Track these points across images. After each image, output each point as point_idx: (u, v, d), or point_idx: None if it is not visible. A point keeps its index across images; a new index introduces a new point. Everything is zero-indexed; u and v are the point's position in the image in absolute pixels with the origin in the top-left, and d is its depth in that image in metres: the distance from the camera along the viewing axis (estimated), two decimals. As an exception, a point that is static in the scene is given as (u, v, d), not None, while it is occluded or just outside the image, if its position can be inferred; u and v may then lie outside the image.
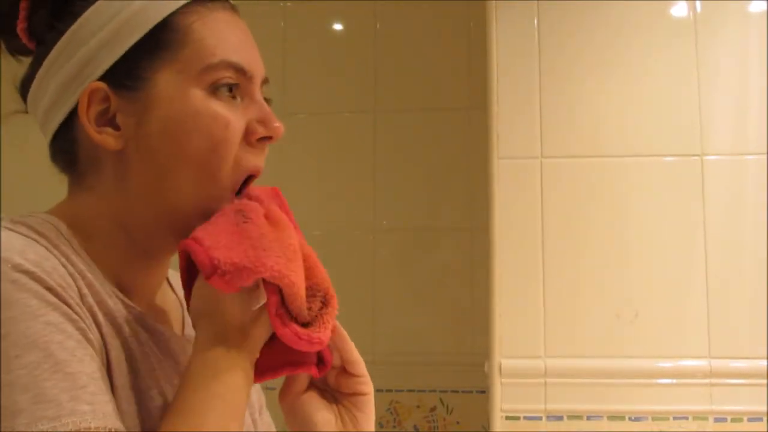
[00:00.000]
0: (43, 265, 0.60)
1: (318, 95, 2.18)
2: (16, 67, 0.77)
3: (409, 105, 2.14)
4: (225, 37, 0.71)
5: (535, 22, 1.55)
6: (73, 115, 0.71)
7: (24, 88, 0.75)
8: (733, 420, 1.44)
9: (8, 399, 0.55)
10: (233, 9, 0.75)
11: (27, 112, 0.77)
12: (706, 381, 1.45)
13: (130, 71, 0.69)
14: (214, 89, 0.69)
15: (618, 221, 1.50)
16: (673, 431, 1.44)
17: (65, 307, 0.60)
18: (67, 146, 0.73)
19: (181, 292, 0.83)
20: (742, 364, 1.45)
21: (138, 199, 0.71)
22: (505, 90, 1.54)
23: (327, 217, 2.14)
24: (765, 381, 1.42)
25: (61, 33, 0.71)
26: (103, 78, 0.69)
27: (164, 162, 0.69)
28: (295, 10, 2.21)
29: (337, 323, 0.74)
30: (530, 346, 1.48)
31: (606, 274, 1.49)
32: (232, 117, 0.70)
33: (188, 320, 0.80)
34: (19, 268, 0.58)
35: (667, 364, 1.46)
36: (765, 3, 1.50)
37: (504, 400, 1.47)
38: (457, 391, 2.07)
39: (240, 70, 0.71)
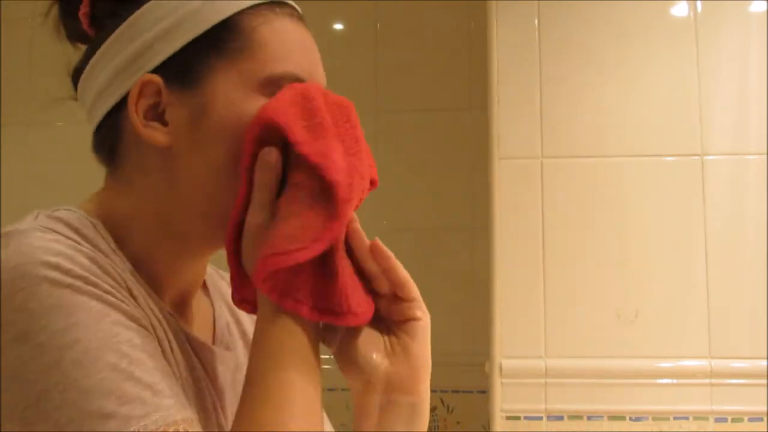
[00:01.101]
0: (92, 269, 0.59)
1: (318, 95, 2.18)
2: (71, 54, 0.75)
3: (409, 105, 2.14)
4: (290, 47, 0.69)
5: (536, 22, 1.55)
6: (121, 105, 0.68)
7: (76, 74, 0.73)
8: (734, 420, 1.44)
9: (93, 405, 0.53)
10: (300, 17, 0.72)
11: (77, 99, 0.74)
12: (707, 381, 1.45)
13: (187, 67, 0.67)
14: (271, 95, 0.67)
15: (618, 221, 1.50)
16: (674, 431, 1.44)
17: (124, 305, 0.59)
18: (110, 136, 0.70)
19: (217, 295, 0.82)
20: (743, 364, 1.45)
21: (184, 198, 0.68)
22: (505, 90, 1.54)
23: (327, 217, 2.13)
24: (765, 381, 1.42)
25: (122, 19, 0.68)
26: (157, 71, 0.67)
27: (219, 164, 0.66)
28: (296, 10, 2.21)
29: (380, 243, 0.72)
30: (530, 346, 1.48)
31: (606, 274, 1.49)
32: None
33: (219, 328, 0.79)
34: (71, 274, 0.57)
35: (667, 364, 1.46)
36: (765, 3, 1.50)
37: (504, 400, 1.47)
38: (457, 391, 2.07)
39: (302, 82, 0.68)
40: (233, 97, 0.66)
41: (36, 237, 0.59)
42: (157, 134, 0.67)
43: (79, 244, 0.61)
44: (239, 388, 0.75)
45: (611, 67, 1.53)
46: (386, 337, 0.69)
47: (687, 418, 1.44)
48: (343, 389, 2.35)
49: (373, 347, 0.68)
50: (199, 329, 0.76)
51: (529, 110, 1.53)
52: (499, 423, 1.47)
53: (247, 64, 0.67)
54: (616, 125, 1.52)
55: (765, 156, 1.47)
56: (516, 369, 1.47)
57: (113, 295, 0.59)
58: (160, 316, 0.66)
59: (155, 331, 0.64)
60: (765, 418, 1.42)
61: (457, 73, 2.11)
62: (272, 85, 0.67)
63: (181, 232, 0.69)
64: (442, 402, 2.08)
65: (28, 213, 0.67)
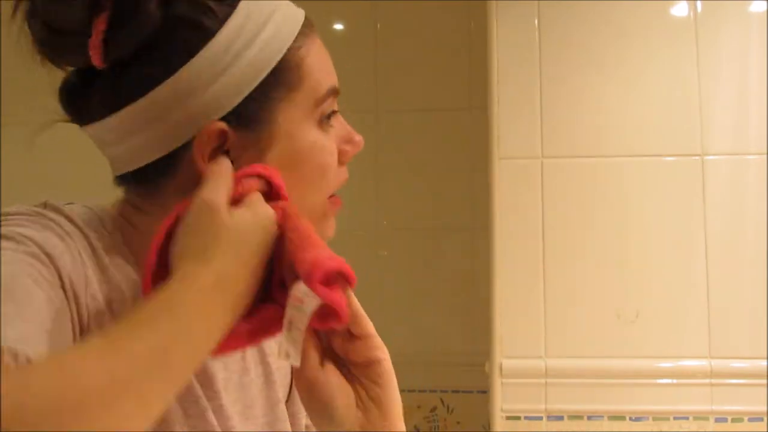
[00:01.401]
0: (47, 244, 0.62)
1: (318, 95, 2.18)
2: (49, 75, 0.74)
3: (409, 105, 2.14)
4: (324, 64, 0.73)
5: (536, 22, 1.55)
6: (178, 150, 0.67)
7: (83, 105, 0.73)
8: (734, 420, 1.44)
9: None
10: (313, 27, 0.74)
11: (71, 122, 0.75)
12: (707, 381, 1.45)
13: (251, 112, 0.68)
14: (321, 120, 0.71)
15: (618, 221, 1.50)
16: (674, 431, 1.44)
17: (51, 268, 0.60)
18: (155, 173, 0.69)
19: None
20: (743, 364, 1.45)
21: None
22: (505, 90, 1.54)
23: (327, 217, 2.13)
24: (765, 381, 1.42)
25: (167, 70, 0.65)
26: (222, 117, 0.67)
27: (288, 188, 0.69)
28: (296, 10, 2.21)
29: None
30: (531, 346, 1.48)
31: (606, 274, 1.49)
32: (332, 145, 0.72)
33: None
34: (17, 238, 0.61)
35: (667, 365, 1.46)
36: (765, 3, 1.50)
37: (504, 400, 1.47)
38: (457, 392, 2.07)
39: (337, 93, 0.73)
40: (291, 130, 0.70)
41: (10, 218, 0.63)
42: None
43: (52, 230, 0.65)
44: (248, 392, 0.74)
45: (611, 67, 1.53)
46: (355, 387, 0.66)
47: (687, 418, 1.44)
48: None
49: (348, 402, 0.64)
50: None
51: (529, 110, 1.53)
52: (499, 423, 1.47)
53: (301, 96, 0.70)
54: (616, 125, 1.52)
55: (765, 156, 1.47)
56: (516, 369, 1.47)
57: (50, 262, 0.60)
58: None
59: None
60: (765, 418, 1.42)
61: (457, 73, 2.11)
62: (320, 106, 0.71)
63: None
64: (442, 402, 2.08)
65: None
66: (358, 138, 0.75)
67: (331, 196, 0.74)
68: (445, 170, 2.11)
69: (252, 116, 0.68)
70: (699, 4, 1.52)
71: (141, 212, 0.72)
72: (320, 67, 0.72)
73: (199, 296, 0.57)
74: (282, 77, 0.69)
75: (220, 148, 0.67)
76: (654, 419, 1.45)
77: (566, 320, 1.48)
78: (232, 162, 0.68)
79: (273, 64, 0.68)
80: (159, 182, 0.70)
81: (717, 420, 1.44)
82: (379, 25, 2.19)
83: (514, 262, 1.50)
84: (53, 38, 0.73)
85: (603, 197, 1.51)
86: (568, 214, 1.51)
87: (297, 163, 0.70)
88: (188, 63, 0.65)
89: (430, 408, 2.07)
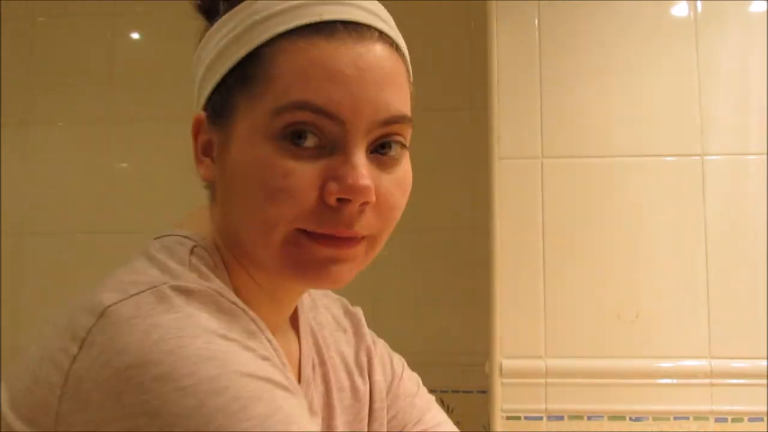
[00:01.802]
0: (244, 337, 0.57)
1: (318, 95, 2.18)
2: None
3: (409, 105, 2.14)
4: (310, 74, 0.59)
5: (536, 21, 1.55)
6: None
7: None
8: (734, 420, 1.44)
9: None
10: (359, 35, 0.62)
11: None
12: (707, 381, 1.45)
13: (219, 105, 0.64)
14: (283, 137, 0.60)
15: (618, 221, 1.50)
16: (674, 431, 1.44)
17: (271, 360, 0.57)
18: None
19: (307, 331, 0.78)
20: (743, 364, 1.44)
21: (232, 233, 0.66)
22: (505, 90, 1.54)
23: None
24: (765, 381, 1.42)
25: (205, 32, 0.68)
26: (205, 107, 0.66)
27: (236, 206, 0.63)
28: (296, 10, 2.21)
29: None
30: (531, 346, 1.48)
31: (607, 274, 1.49)
32: (296, 168, 0.59)
33: (305, 367, 0.75)
34: (228, 336, 0.55)
35: (667, 365, 1.46)
36: (766, 3, 1.50)
37: (504, 400, 1.47)
38: (457, 391, 2.07)
39: (319, 111, 0.59)
40: (243, 138, 0.62)
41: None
42: (202, 169, 0.67)
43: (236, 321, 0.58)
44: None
45: (611, 67, 1.53)
46: None
47: (687, 418, 1.44)
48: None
49: None
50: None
51: (529, 110, 1.53)
52: (499, 423, 1.47)
53: (261, 99, 0.61)
54: (616, 125, 1.52)
55: (765, 156, 1.47)
56: (516, 369, 1.47)
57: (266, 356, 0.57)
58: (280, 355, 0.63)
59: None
60: (765, 418, 1.42)
61: (457, 73, 2.11)
62: (280, 117, 0.60)
63: (245, 266, 0.68)
64: (442, 402, 2.07)
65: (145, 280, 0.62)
66: (353, 182, 0.59)
67: (314, 234, 0.61)
68: (445, 170, 2.11)
69: (219, 110, 0.65)
70: (699, 4, 1.52)
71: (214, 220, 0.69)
72: (299, 76, 0.59)
73: None
74: (246, 74, 0.62)
75: (209, 144, 0.67)
76: (654, 419, 1.45)
77: (566, 320, 1.48)
78: (212, 161, 0.67)
79: (241, 54, 0.62)
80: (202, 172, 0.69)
81: (717, 420, 1.44)
82: (379, 25, 2.19)
83: (514, 262, 1.50)
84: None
85: (603, 197, 1.51)
86: (568, 214, 1.51)
87: (240, 177, 0.62)
88: (209, 31, 0.67)
89: (430, 408, 2.07)
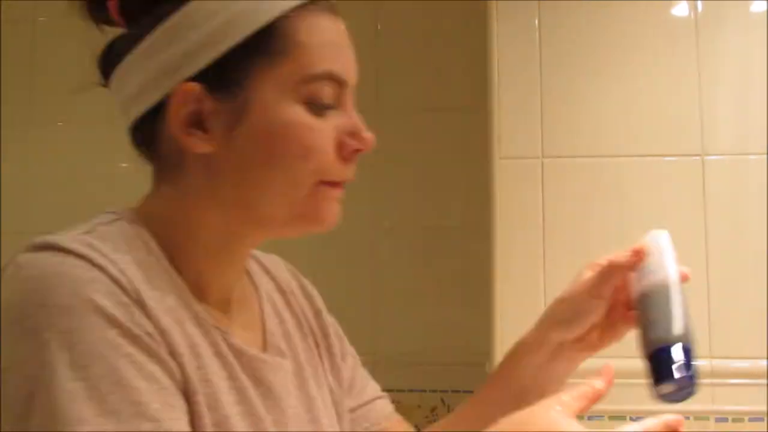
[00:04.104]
0: (129, 313, 0.61)
1: (319, 95, 2.18)
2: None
3: (410, 105, 2.13)
4: (327, 45, 0.70)
5: (536, 21, 1.55)
6: (159, 108, 0.68)
7: (106, 62, 0.73)
8: (734, 420, 1.44)
9: (71, 407, 0.55)
10: (334, 10, 0.73)
11: (105, 86, 0.75)
12: (708, 381, 1.44)
13: (228, 75, 0.67)
14: (310, 100, 0.68)
15: (619, 221, 1.50)
16: (674, 431, 1.44)
17: (137, 329, 0.60)
18: (149, 137, 0.72)
19: (264, 295, 0.82)
20: (744, 364, 1.44)
21: (225, 203, 0.70)
22: (506, 90, 1.54)
23: (328, 217, 2.14)
24: (766, 381, 1.42)
25: (159, 18, 0.68)
26: (198, 78, 0.67)
27: (255, 169, 0.68)
28: (296, 10, 2.21)
29: None
30: (531, 346, 1.47)
31: (607, 274, 1.48)
32: (324, 126, 0.69)
33: (269, 332, 0.78)
34: (93, 302, 0.59)
35: (667, 364, 1.46)
36: (766, 3, 1.50)
37: (505, 400, 1.47)
38: (458, 391, 2.06)
39: (338, 80, 0.70)
40: (269, 103, 0.67)
41: (79, 266, 0.61)
42: (198, 142, 0.68)
43: (119, 280, 0.62)
44: (307, 392, 0.76)
45: (612, 67, 1.53)
46: None
47: (688, 418, 1.44)
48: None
49: None
50: (246, 334, 0.75)
51: (529, 110, 1.53)
52: (499, 423, 1.47)
53: (285, 68, 0.67)
54: (616, 125, 1.52)
55: (765, 156, 1.47)
56: (516, 369, 1.47)
57: (132, 324, 0.60)
58: (211, 337, 0.68)
59: (200, 355, 0.65)
60: (765, 418, 1.42)
61: (457, 73, 2.11)
62: (308, 85, 0.68)
63: (219, 232, 0.71)
64: (443, 402, 2.07)
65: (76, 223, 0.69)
66: (368, 135, 0.72)
67: (331, 183, 0.71)
68: (445, 170, 2.11)
69: (228, 79, 0.67)
70: (699, 4, 1.52)
71: (160, 195, 0.73)
72: (321, 48, 0.69)
73: None
74: (266, 44, 0.67)
75: (197, 115, 0.67)
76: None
77: (566, 320, 1.48)
78: (207, 131, 0.68)
79: (254, 27, 0.66)
80: (157, 153, 0.72)
81: (718, 420, 1.44)
82: (379, 25, 2.19)
83: (514, 262, 1.50)
84: None
85: (603, 197, 1.51)
86: (569, 214, 1.51)
87: (269, 139, 0.67)
88: (179, 9, 0.67)
89: (430, 408, 2.07)
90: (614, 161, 1.51)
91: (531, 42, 1.55)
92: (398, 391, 2.07)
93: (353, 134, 0.71)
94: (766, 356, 1.42)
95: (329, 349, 0.86)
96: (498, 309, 1.49)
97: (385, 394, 0.94)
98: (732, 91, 1.50)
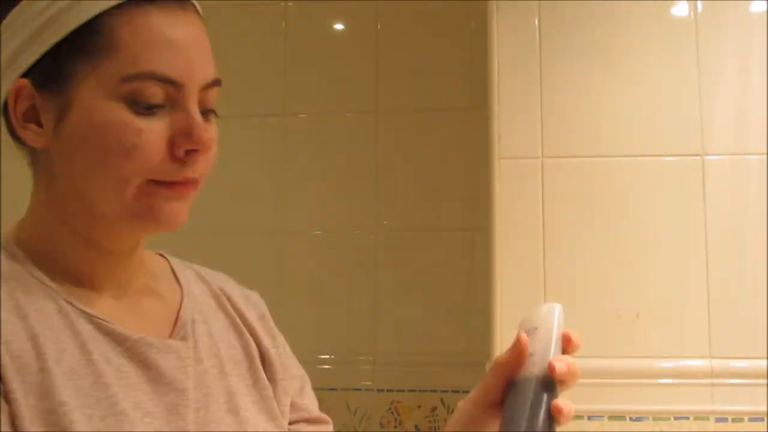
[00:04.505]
0: None
1: (319, 95, 2.18)
2: None
3: (410, 105, 2.14)
4: (153, 44, 0.68)
5: (536, 21, 1.55)
6: (6, 107, 0.72)
7: None
8: (734, 420, 1.43)
9: None
10: (181, 5, 0.71)
11: None
12: (707, 381, 1.45)
13: (52, 71, 0.69)
14: (131, 100, 0.68)
15: (619, 221, 1.50)
16: (674, 431, 1.44)
17: None
18: (12, 133, 0.74)
19: (188, 289, 0.82)
20: (743, 364, 1.44)
21: (65, 197, 0.72)
22: (506, 90, 1.54)
23: (328, 216, 2.14)
24: (766, 381, 1.42)
25: None
26: (28, 74, 0.70)
27: (80, 166, 0.70)
28: (296, 10, 2.21)
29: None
30: (531, 346, 1.47)
31: (607, 274, 1.49)
32: (149, 126, 0.68)
33: (182, 321, 0.78)
34: None
35: (668, 364, 1.46)
36: (766, 3, 1.50)
37: (505, 400, 1.47)
38: (458, 391, 2.06)
39: (164, 80, 0.68)
40: (90, 101, 0.68)
41: None
42: (32, 135, 0.71)
43: None
44: (206, 380, 0.75)
45: (611, 67, 1.53)
46: None
47: (687, 418, 1.44)
48: (343, 389, 2.34)
49: None
50: (148, 323, 0.76)
51: (529, 110, 1.53)
52: (499, 423, 1.47)
53: (106, 66, 0.68)
54: (617, 125, 1.52)
55: (765, 156, 1.47)
56: (516, 369, 1.47)
57: None
58: (91, 332, 0.69)
59: (86, 350, 0.67)
60: (765, 418, 1.42)
61: (457, 73, 2.11)
62: (128, 84, 0.67)
63: (78, 230, 0.73)
64: (442, 402, 2.07)
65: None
66: (203, 135, 0.70)
67: (165, 183, 0.70)
68: (445, 170, 2.11)
69: (52, 75, 0.69)
70: (699, 4, 1.52)
71: (32, 202, 0.77)
72: (143, 45, 0.68)
73: None
74: (88, 42, 0.68)
75: (32, 110, 0.70)
76: (654, 419, 1.44)
77: (566, 320, 1.48)
78: (41, 126, 0.70)
79: (73, 25, 0.68)
80: (23, 152, 0.75)
81: (717, 420, 1.44)
82: (379, 25, 2.19)
83: (514, 262, 1.50)
84: None
85: (603, 197, 1.51)
86: (568, 214, 1.51)
87: (89, 137, 0.68)
88: (16, 7, 0.70)
89: (430, 408, 2.07)
90: (614, 161, 1.51)
91: (531, 42, 1.55)
92: (398, 391, 2.07)
93: (187, 134, 0.69)
94: (766, 356, 1.42)
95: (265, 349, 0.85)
96: (498, 309, 1.49)
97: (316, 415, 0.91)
98: (732, 91, 1.50)
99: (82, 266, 0.73)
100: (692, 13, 1.52)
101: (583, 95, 1.53)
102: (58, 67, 0.69)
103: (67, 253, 0.73)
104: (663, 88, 1.52)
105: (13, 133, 0.74)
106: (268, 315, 0.89)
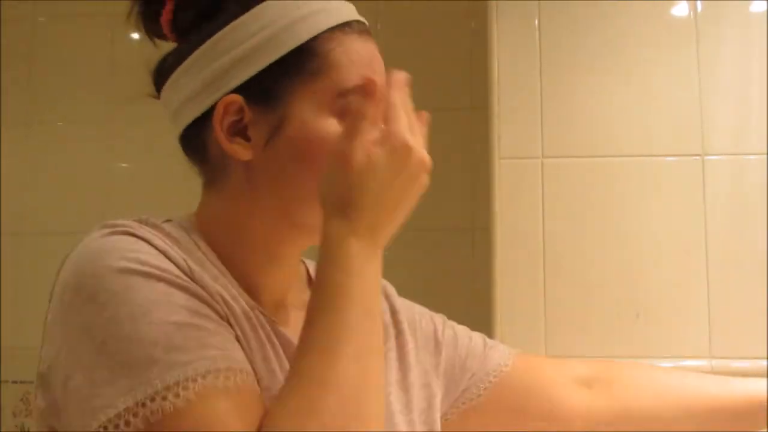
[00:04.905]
0: (170, 268, 0.67)
1: (319, 95, 2.18)
2: (152, 52, 0.82)
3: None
4: (359, 64, 0.76)
5: (536, 22, 1.55)
6: (205, 117, 0.75)
7: (159, 75, 0.80)
8: (734, 420, 1.43)
9: (141, 352, 0.60)
10: (367, 31, 0.81)
11: (156, 98, 0.81)
12: (707, 381, 1.44)
13: (267, 89, 0.73)
14: (343, 111, 0.74)
15: (619, 221, 1.50)
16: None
17: (183, 281, 0.66)
18: (197, 145, 0.77)
19: None
20: (743, 364, 1.44)
21: (264, 209, 0.76)
22: (506, 90, 1.54)
23: (328, 217, 2.14)
24: (766, 381, 1.42)
25: (207, 35, 0.75)
26: (239, 90, 0.73)
27: (291, 179, 0.74)
28: (296, 10, 2.21)
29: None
30: (531, 346, 1.47)
31: (607, 274, 1.49)
32: None
33: None
34: (146, 264, 0.65)
35: (668, 364, 1.46)
36: (766, 3, 1.50)
37: (505, 400, 1.47)
38: (457, 391, 2.06)
39: (371, 93, 0.74)
40: (306, 116, 0.73)
41: (124, 239, 0.68)
42: (240, 149, 0.74)
43: (166, 251, 0.68)
44: (408, 393, 0.85)
45: (611, 67, 1.53)
46: None
47: (687, 418, 1.44)
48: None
49: None
50: (294, 327, 0.79)
51: (530, 110, 1.53)
52: (499, 423, 1.47)
53: (321, 84, 0.74)
54: (617, 125, 1.52)
55: (765, 156, 1.47)
56: (516, 369, 1.47)
57: (181, 278, 0.66)
58: (247, 309, 0.73)
59: (244, 332, 0.70)
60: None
61: (457, 73, 2.11)
62: (341, 100, 0.74)
63: (261, 236, 0.77)
64: (443, 402, 2.07)
65: (96, 223, 0.74)
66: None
67: None
68: (445, 170, 2.10)
69: (267, 92, 0.73)
70: (699, 4, 1.52)
71: (209, 200, 0.79)
72: (350, 66, 0.75)
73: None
74: (303, 62, 0.73)
75: (239, 124, 0.74)
76: (654, 419, 1.44)
77: (566, 320, 1.48)
78: (249, 140, 0.74)
79: (289, 47, 0.73)
80: (204, 160, 0.78)
81: (717, 420, 1.44)
82: (379, 25, 2.19)
83: (514, 262, 1.50)
84: (142, 11, 0.81)
85: (603, 197, 1.51)
86: (569, 214, 1.51)
87: (305, 150, 0.73)
88: (224, 28, 0.74)
89: (430, 408, 2.07)
90: (614, 161, 1.51)
91: (531, 42, 1.55)
92: (398, 391, 2.07)
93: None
94: (766, 356, 1.42)
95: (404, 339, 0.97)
96: (498, 309, 1.49)
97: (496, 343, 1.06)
98: (732, 91, 1.50)
99: (251, 279, 0.77)
100: (692, 13, 1.52)
101: (582, 95, 1.53)
102: (272, 86, 0.73)
103: (239, 264, 0.76)
104: (663, 88, 1.52)
105: (195, 143, 0.77)
106: (399, 306, 1.02)
